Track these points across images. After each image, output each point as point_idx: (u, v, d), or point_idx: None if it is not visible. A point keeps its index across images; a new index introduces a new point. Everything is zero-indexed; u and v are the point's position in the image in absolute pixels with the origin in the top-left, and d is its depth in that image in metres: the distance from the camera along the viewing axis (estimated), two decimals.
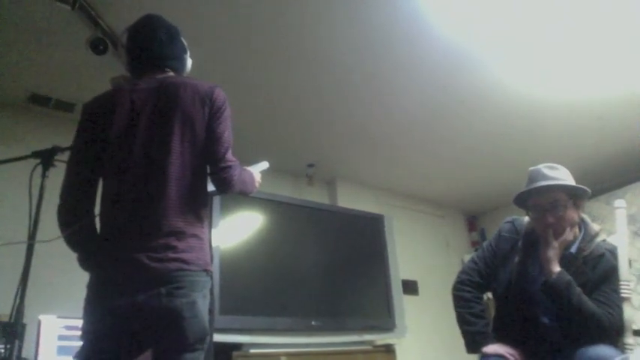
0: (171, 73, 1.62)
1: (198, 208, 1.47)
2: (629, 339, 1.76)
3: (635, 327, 1.87)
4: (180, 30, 1.70)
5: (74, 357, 1.38)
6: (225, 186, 1.51)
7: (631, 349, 1.76)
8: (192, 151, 1.46)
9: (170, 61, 1.63)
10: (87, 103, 1.57)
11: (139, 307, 1.31)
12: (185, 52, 1.71)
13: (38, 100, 3.15)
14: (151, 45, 1.61)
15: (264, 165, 1.91)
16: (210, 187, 1.56)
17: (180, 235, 1.38)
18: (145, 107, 1.49)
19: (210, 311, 2.16)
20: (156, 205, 1.39)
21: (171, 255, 1.35)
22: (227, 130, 1.53)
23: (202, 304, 1.37)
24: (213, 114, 1.51)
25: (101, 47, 2.55)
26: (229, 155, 1.51)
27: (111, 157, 1.46)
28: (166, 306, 1.30)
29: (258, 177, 1.75)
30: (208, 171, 1.54)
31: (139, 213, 1.39)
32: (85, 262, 1.48)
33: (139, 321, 1.33)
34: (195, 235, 1.42)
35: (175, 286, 1.32)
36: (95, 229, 1.50)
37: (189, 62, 1.74)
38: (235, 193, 1.61)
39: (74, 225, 1.45)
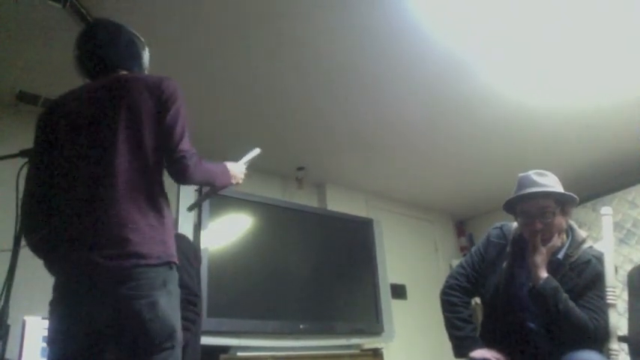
0: (124, 72, 1.60)
1: (154, 199, 1.42)
2: (614, 345, 1.78)
3: (620, 333, 1.89)
4: (123, 27, 1.66)
5: None
6: (181, 177, 1.45)
7: (616, 355, 1.78)
8: (139, 143, 1.42)
9: (119, 62, 1.61)
10: (41, 112, 1.57)
11: (99, 310, 1.28)
12: (134, 49, 1.66)
13: (26, 98, 3.11)
14: (94, 50, 1.60)
15: (255, 152, 1.86)
16: (204, 189, 1.54)
17: (134, 226, 1.33)
18: (92, 104, 1.48)
19: (198, 313, 2.13)
20: (105, 200, 1.35)
21: (127, 249, 1.30)
22: (180, 120, 1.48)
23: (166, 302, 1.32)
24: (163, 104, 1.46)
25: None
26: (183, 145, 1.45)
27: (60, 162, 1.45)
28: (125, 309, 1.27)
29: (241, 168, 1.71)
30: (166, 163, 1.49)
31: (88, 208, 1.36)
32: (49, 268, 1.45)
33: (101, 324, 1.30)
34: (151, 226, 1.37)
35: (133, 285, 1.28)
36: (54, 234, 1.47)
37: (145, 57, 1.69)
38: (198, 184, 1.57)
39: (37, 233, 1.43)
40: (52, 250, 1.41)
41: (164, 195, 1.48)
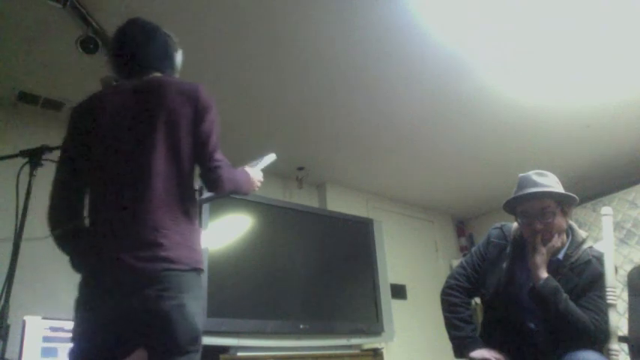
0: (157, 74, 1.61)
1: (185, 205, 1.44)
2: (614, 345, 1.78)
3: (620, 333, 1.89)
4: (159, 28, 1.67)
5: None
6: (214, 186, 1.49)
7: (616, 355, 1.77)
8: (176, 148, 1.44)
9: (153, 62, 1.61)
10: (74, 106, 1.57)
11: (127, 310, 1.30)
12: (168, 50, 1.67)
13: (27, 98, 3.11)
14: (130, 49, 1.60)
15: (271, 157, 1.87)
16: (207, 193, 1.55)
17: (166, 231, 1.36)
18: (129, 107, 1.48)
19: None
20: (140, 202, 1.37)
21: (158, 254, 1.32)
22: (214, 130, 1.51)
23: (192, 305, 1.35)
24: (199, 113, 1.49)
25: (91, 46, 2.54)
26: (217, 155, 1.49)
27: (96, 158, 1.45)
28: (154, 309, 1.29)
29: (258, 176, 1.74)
30: (198, 171, 1.52)
31: (124, 211, 1.38)
32: (75, 264, 1.46)
33: (127, 324, 1.31)
34: (182, 233, 1.40)
35: (163, 287, 1.30)
36: (85, 230, 1.48)
37: (178, 59, 1.70)
38: (228, 193, 1.59)
39: (63, 226, 1.43)
40: (80, 246, 1.43)
41: (195, 201, 1.50)
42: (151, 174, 1.39)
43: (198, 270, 1.41)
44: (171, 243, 1.35)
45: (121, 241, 1.34)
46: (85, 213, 1.49)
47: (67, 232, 1.44)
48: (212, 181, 1.48)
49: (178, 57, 1.71)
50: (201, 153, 1.47)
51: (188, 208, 1.45)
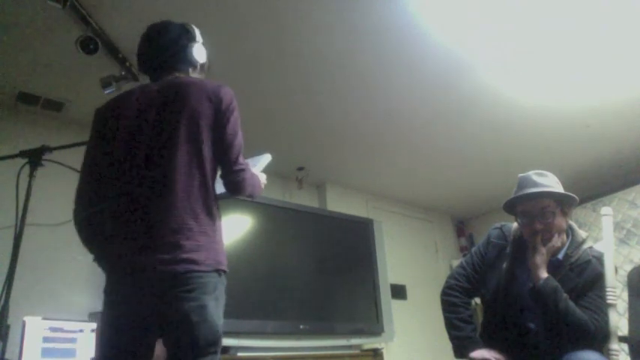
0: (178, 74, 1.62)
1: (207, 205, 1.44)
2: (614, 345, 1.78)
3: (620, 333, 1.89)
4: (172, 23, 1.69)
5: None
6: (237, 189, 1.52)
7: (616, 355, 1.78)
8: (199, 149, 1.44)
9: (166, 57, 1.63)
10: (99, 107, 1.59)
11: (149, 312, 1.32)
12: (179, 42, 1.65)
13: (26, 99, 3.11)
14: (153, 51, 1.63)
15: (267, 158, 1.88)
16: (219, 190, 1.55)
17: (188, 232, 1.36)
18: (152, 107, 1.49)
19: None
20: (162, 202, 1.37)
21: (180, 255, 1.32)
22: (238, 132, 1.53)
23: (214, 307, 1.36)
24: (223, 114, 1.50)
25: (91, 47, 2.53)
26: (241, 158, 1.51)
27: (119, 158, 1.46)
28: (175, 310, 1.30)
29: (263, 179, 1.75)
30: (219, 173, 1.52)
31: (145, 210, 1.38)
32: (99, 263, 1.47)
33: (150, 325, 1.33)
34: (204, 233, 1.39)
35: (184, 289, 1.31)
36: (103, 224, 1.49)
37: (191, 50, 1.67)
38: (245, 197, 1.60)
39: (87, 211, 1.45)
40: (101, 241, 1.44)
41: (217, 203, 1.50)
42: (174, 174, 1.40)
43: (220, 271, 1.42)
44: (193, 244, 1.35)
45: (143, 242, 1.35)
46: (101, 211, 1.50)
47: (87, 217, 1.45)
48: (235, 183, 1.50)
49: (193, 48, 1.68)
50: (226, 155, 1.48)
51: (211, 209, 1.45)
